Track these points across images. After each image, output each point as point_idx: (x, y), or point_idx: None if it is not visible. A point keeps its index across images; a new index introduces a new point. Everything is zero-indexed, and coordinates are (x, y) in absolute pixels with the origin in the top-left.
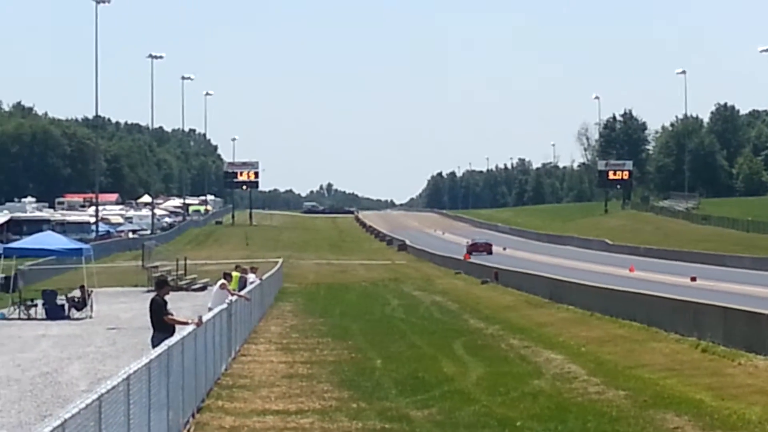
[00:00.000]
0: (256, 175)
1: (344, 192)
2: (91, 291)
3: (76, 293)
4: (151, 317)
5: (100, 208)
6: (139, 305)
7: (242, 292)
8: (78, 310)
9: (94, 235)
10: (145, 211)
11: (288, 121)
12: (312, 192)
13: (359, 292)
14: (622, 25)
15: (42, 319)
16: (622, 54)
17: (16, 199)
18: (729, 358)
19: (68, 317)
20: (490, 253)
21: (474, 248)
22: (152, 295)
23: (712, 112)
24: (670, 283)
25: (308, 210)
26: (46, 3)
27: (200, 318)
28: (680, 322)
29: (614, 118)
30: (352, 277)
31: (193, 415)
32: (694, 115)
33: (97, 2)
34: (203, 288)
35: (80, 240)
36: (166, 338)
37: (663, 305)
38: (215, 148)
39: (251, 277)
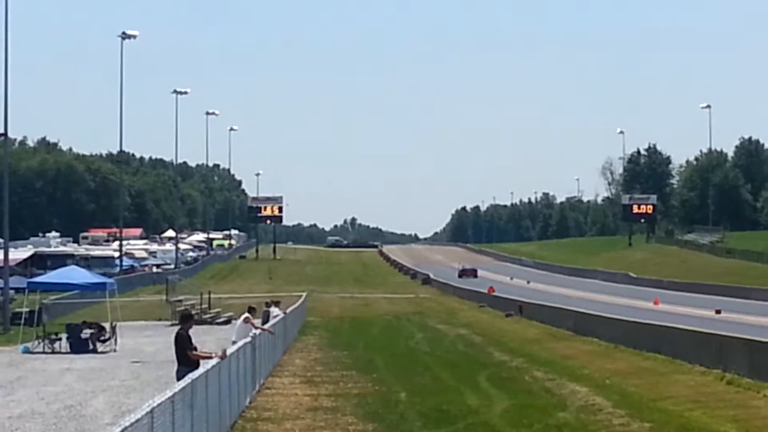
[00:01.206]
0: (280, 209)
1: (368, 226)
2: (116, 324)
3: (98, 326)
4: (176, 351)
5: (124, 242)
6: (162, 339)
7: (266, 326)
8: (100, 342)
9: (118, 269)
10: (169, 246)
11: (312, 156)
12: (336, 226)
13: (383, 326)
14: (646, 60)
15: (66, 353)
16: (646, 88)
17: (40, 234)
18: (754, 390)
19: (93, 350)
20: (475, 276)
21: (463, 273)
22: (176, 329)
23: (736, 146)
24: (695, 316)
25: (332, 244)
26: (71, 38)
27: (224, 351)
28: (705, 354)
29: (638, 152)
30: (376, 310)
31: None
32: (719, 149)
33: (123, 38)
34: (227, 321)
35: (104, 274)
36: (191, 371)
37: (688, 338)
38: (239, 183)
39: (275, 310)
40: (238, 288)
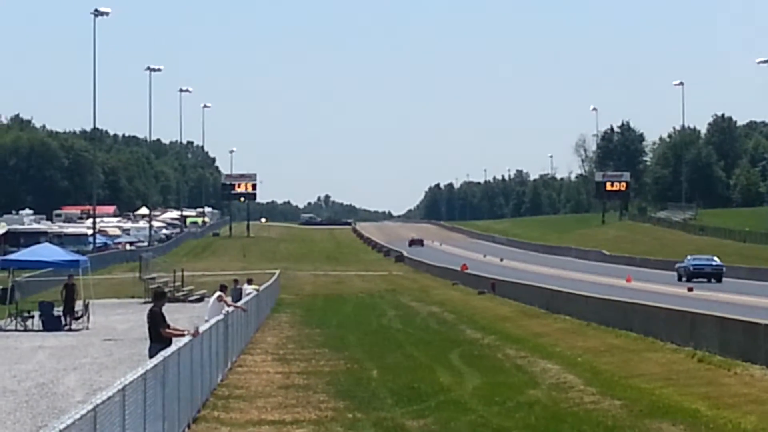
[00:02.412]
0: (254, 187)
1: (342, 204)
2: (88, 302)
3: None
4: (149, 328)
5: (98, 220)
6: (135, 317)
7: (239, 303)
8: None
9: (91, 247)
10: (143, 223)
11: (286, 133)
12: (309, 204)
13: (356, 303)
14: (619, 37)
15: (38, 331)
16: (619, 66)
17: (13, 212)
18: (725, 367)
19: (67, 327)
20: (422, 245)
21: (412, 242)
22: (149, 306)
23: (709, 124)
24: (667, 294)
25: (306, 222)
26: (44, 16)
27: (197, 329)
28: (677, 332)
29: (612, 129)
30: (349, 288)
31: (188, 426)
32: (692, 126)
33: (96, 15)
34: (200, 299)
35: (77, 252)
36: (164, 349)
37: (659, 315)
38: (213, 160)
39: (248, 288)
40: (211, 265)
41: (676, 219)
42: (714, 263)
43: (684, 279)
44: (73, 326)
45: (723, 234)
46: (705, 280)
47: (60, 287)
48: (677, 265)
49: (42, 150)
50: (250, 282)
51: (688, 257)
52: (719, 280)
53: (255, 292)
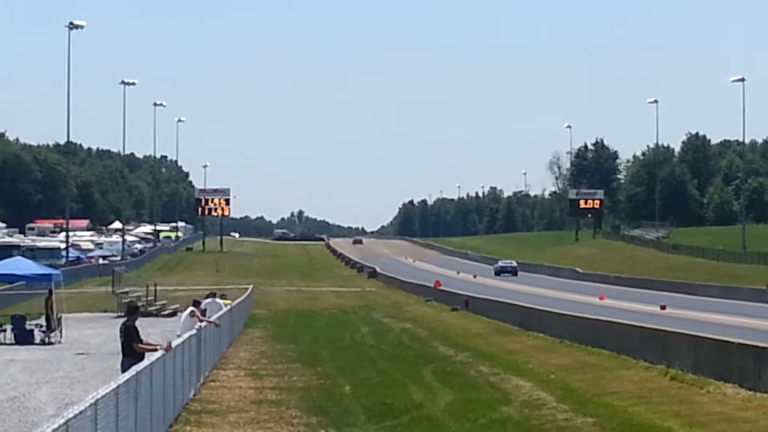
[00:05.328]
0: (227, 202)
1: (315, 219)
2: (61, 316)
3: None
4: (123, 343)
5: (71, 233)
6: (108, 331)
7: (212, 318)
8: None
9: (64, 260)
10: (116, 237)
11: (259, 148)
12: (283, 219)
13: (329, 319)
14: (593, 55)
15: (10, 344)
16: (593, 83)
17: None
18: (698, 385)
19: (36, 341)
20: (361, 243)
21: (356, 242)
22: (122, 320)
23: (683, 142)
24: (640, 312)
25: (279, 237)
26: (18, 28)
27: (169, 343)
28: (650, 350)
29: (586, 147)
30: (322, 303)
31: None
32: (666, 144)
33: (70, 28)
34: (173, 314)
35: (50, 266)
36: (136, 363)
37: (632, 333)
38: (187, 174)
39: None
40: (184, 280)
41: (650, 237)
42: (512, 264)
43: (494, 274)
44: (50, 339)
45: (696, 252)
46: (509, 274)
47: (35, 299)
48: (493, 266)
49: (15, 163)
50: (223, 297)
51: (500, 261)
52: (515, 274)
53: (226, 308)
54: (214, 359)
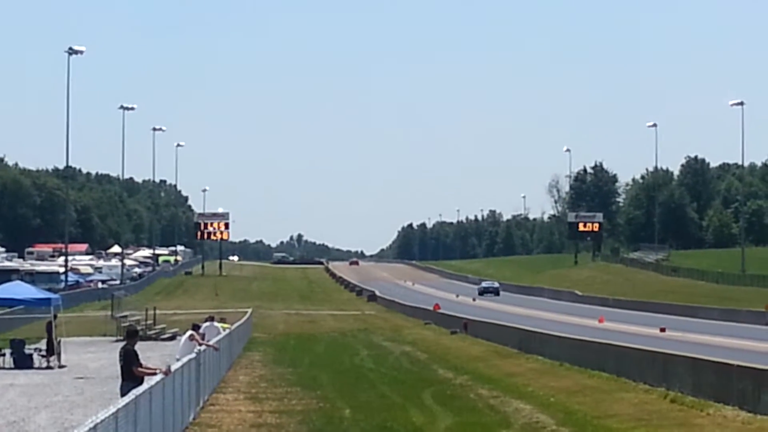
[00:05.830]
0: (227, 226)
1: (314, 243)
2: (60, 340)
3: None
4: (122, 366)
5: (70, 258)
6: (107, 355)
7: (211, 342)
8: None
9: (63, 284)
10: (115, 261)
11: (258, 172)
12: (282, 243)
13: (328, 342)
14: (592, 79)
15: (10, 369)
16: (593, 107)
17: None
18: (697, 408)
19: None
20: (357, 264)
21: (353, 262)
22: (121, 344)
23: (682, 165)
24: (640, 334)
25: (278, 260)
26: (18, 53)
27: (168, 367)
28: (649, 372)
29: (585, 170)
30: (322, 327)
31: None
32: (665, 167)
33: (70, 53)
34: (172, 338)
35: (49, 290)
36: (135, 387)
37: (632, 356)
38: (186, 199)
39: (219, 326)
40: (183, 304)
41: (649, 260)
42: (495, 285)
43: (478, 294)
44: (50, 363)
45: (695, 275)
46: (491, 294)
47: (34, 324)
48: (477, 287)
49: (14, 188)
50: (222, 320)
51: (482, 282)
52: (497, 294)
53: (224, 332)
54: (213, 383)
